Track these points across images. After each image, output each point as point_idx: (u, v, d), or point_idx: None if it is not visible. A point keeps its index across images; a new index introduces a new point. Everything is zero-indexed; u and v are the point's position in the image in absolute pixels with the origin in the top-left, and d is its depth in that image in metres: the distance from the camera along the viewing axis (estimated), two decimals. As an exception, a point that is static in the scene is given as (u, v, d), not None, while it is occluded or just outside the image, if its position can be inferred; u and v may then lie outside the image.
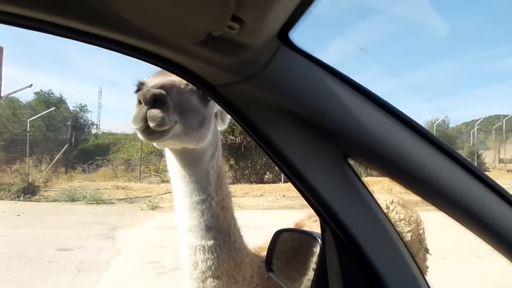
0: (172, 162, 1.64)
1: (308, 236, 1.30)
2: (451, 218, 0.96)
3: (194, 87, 1.51)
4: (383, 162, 0.94)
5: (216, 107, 1.68)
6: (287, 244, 1.51)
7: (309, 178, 0.95)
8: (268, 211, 12.29)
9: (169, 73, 1.48)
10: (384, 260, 0.95)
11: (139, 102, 1.34)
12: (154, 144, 1.49)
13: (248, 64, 0.75)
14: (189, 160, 1.58)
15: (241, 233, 1.73)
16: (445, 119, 28.24)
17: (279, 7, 0.58)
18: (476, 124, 26.52)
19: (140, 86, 1.60)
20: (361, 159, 0.98)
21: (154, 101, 1.32)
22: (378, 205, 1.05)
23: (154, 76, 1.59)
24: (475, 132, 25.87)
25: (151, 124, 1.31)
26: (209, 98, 1.58)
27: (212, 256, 1.54)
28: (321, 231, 1.09)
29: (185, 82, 1.48)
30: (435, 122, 25.69)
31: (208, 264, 1.53)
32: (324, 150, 0.94)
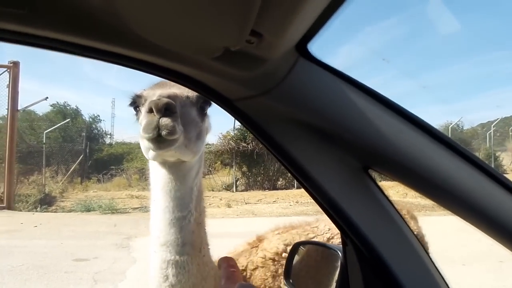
0: (157, 176, 1.63)
1: (328, 249, 1.27)
2: (473, 225, 0.92)
3: (194, 100, 1.53)
4: (404, 172, 0.90)
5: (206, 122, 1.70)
6: (306, 256, 1.48)
7: (330, 191, 0.92)
8: (282, 218, 12.19)
9: (168, 85, 1.50)
10: (409, 276, 0.92)
11: (150, 111, 1.34)
12: (158, 153, 1.47)
13: (266, 78, 0.74)
14: (177, 174, 1.58)
15: (209, 247, 1.76)
16: (459, 121, 27.79)
17: (299, 20, 0.56)
18: (492, 125, 26.00)
19: (137, 99, 1.62)
20: (382, 169, 0.95)
21: (165, 110, 1.32)
22: (402, 217, 1.01)
23: (151, 89, 1.59)
24: (491, 133, 25.35)
25: (164, 133, 1.32)
26: (205, 112, 1.62)
27: (183, 271, 1.55)
28: (342, 245, 1.06)
29: (185, 94, 1.51)
30: (450, 125, 25.28)
31: (178, 278, 1.55)
32: (344, 162, 0.92)
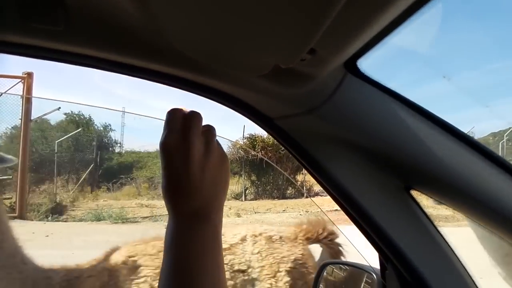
0: None
1: (361, 270, 1.21)
2: None
3: None
4: (448, 192, 0.85)
5: None
6: (335, 278, 1.42)
7: (371, 212, 0.88)
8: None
9: None
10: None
11: None
12: None
13: (312, 95, 0.70)
14: None
15: None
16: (470, 131, 27.44)
17: (356, 38, 0.52)
18: (505, 134, 25.60)
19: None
20: (425, 190, 0.90)
21: None
22: (445, 239, 0.96)
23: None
24: (504, 143, 24.95)
25: None
26: None
27: None
28: (381, 268, 1.01)
29: None
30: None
31: None
32: (386, 182, 0.87)
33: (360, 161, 0.82)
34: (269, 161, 18.87)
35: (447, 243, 0.96)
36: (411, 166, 0.81)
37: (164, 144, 0.66)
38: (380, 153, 0.79)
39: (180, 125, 0.66)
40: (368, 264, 1.18)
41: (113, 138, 29.79)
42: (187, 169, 0.64)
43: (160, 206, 16.46)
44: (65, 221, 13.44)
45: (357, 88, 0.72)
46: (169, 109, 0.69)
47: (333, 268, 1.41)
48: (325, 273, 1.40)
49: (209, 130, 0.69)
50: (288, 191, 20.24)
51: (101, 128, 27.66)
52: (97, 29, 0.64)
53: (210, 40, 0.56)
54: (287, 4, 0.42)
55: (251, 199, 19.60)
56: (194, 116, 0.67)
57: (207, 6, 0.46)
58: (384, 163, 0.82)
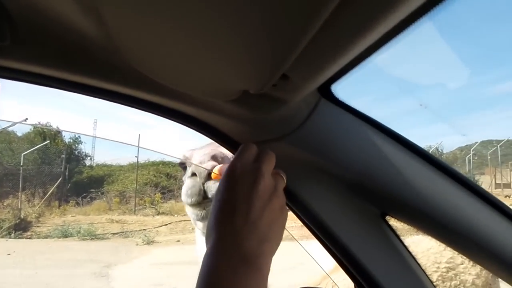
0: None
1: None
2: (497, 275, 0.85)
3: None
4: (423, 219, 0.83)
5: None
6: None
7: (344, 240, 0.84)
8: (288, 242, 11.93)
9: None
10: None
11: (193, 175, 1.37)
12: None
13: (283, 121, 0.66)
14: None
15: None
16: (439, 145, 28.40)
17: (331, 64, 0.49)
18: (471, 149, 26.64)
19: (186, 160, 1.61)
20: (400, 216, 0.87)
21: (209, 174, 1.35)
22: (420, 266, 0.94)
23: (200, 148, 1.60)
24: (471, 157, 25.93)
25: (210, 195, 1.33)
26: None
27: None
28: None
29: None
30: (430, 149, 25.76)
31: None
32: (361, 209, 0.84)
33: (334, 188, 0.78)
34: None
35: (421, 268, 0.95)
36: (386, 193, 0.79)
37: (232, 167, 0.60)
38: (354, 180, 0.76)
39: (254, 157, 0.63)
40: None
41: (84, 151, 28.91)
42: (250, 199, 0.57)
43: (131, 221, 15.98)
44: (29, 238, 12.78)
45: (331, 114, 0.69)
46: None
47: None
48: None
49: (280, 176, 0.66)
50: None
51: (71, 141, 26.79)
52: (48, 45, 0.58)
53: (170, 63, 0.52)
54: (256, 28, 0.38)
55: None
56: (269, 154, 0.64)
57: (166, 28, 0.41)
58: (359, 190, 0.79)
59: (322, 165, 0.74)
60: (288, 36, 0.37)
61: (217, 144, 1.46)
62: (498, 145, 27.67)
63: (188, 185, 1.33)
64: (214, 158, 1.36)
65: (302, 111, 0.65)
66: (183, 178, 1.54)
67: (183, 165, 1.62)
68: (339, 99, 0.68)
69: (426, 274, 0.94)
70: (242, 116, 0.65)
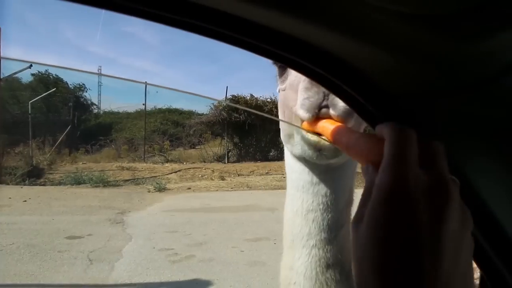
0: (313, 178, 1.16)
1: None
2: None
3: None
4: None
5: None
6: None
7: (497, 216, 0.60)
8: (278, 191, 12.05)
9: None
10: None
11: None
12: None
13: (490, 58, 0.39)
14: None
15: None
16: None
17: None
18: None
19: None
20: None
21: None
22: None
23: None
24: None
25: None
26: None
27: None
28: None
29: None
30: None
31: None
32: None
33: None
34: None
35: None
36: None
37: (401, 179, 0.36)
38: None
39: (431, 159, 0.40)
40: None
41: (90, 99, 28.68)
42: (441, 239, 0.35)
43: (141, 169, 16.15)
44: (43, 185, 12.98)
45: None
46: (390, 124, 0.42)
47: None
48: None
49: (455, 182, 0.42)
50: (271, 153, 20.17)
51: (76, 88, 26.45)
52: None
53: None
54: None
55: (234, 162, 19.50)
56: (442, 148, 0.42)
57: None
58: None
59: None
60: None
61: None
62: None
63: (305, 94, 0.88)
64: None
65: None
66: (284, 77, 1.11)
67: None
68: None
69: None
70: (425, 48, 0.38)
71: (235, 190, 12.79)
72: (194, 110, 27.16)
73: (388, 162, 0.37)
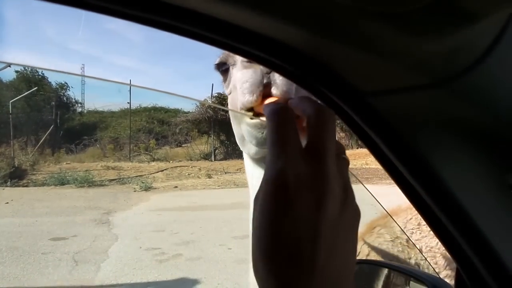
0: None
1: (410, 278, 0.98)
2: None
3: None
4: None
5: None
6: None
7: (471, 213, 0.61)
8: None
9: None
10: None
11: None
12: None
13: (456, 55, 0.39)
14: None
15: None
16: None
17: None
18: None
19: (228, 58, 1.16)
20: None
21: None
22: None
23: None
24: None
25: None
26: None
27: None
28: (456, 283, 0.77)
29: None
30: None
31: None
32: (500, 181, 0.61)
33: (475, 151, 0.54)
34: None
35: None
36: None
37: (277, 178, 0.37)
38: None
39: (312, 141, 0.39)
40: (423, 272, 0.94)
41: (73, 97, 28.14)
42: (318, 228, 0.36)
43: (126, 168, 15.97)
44: (25, 186, 12.70)
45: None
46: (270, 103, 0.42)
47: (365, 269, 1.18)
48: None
49: (345, 159, 0.43)
50: (258, 150, 20.16)
51: (58, 87, 25.89)
52: None
53: None
54: None
55: (221, 159, 19.45)
56: (328, 121, 0.41)
57: None
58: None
59: (477, 120, 0.49)
60: None
61: None
62: None
63: (242, 78, 0.90)
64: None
65: (484, 39, 0.39)
66: (227, 84, 1.13)
67: (224, 67, 1.15)
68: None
69: None
70: (389, 44, 0.38)
71: (222, 188, 12.76)
72: (180, 108, 26.86)
73: (269, 152, 0.38)
